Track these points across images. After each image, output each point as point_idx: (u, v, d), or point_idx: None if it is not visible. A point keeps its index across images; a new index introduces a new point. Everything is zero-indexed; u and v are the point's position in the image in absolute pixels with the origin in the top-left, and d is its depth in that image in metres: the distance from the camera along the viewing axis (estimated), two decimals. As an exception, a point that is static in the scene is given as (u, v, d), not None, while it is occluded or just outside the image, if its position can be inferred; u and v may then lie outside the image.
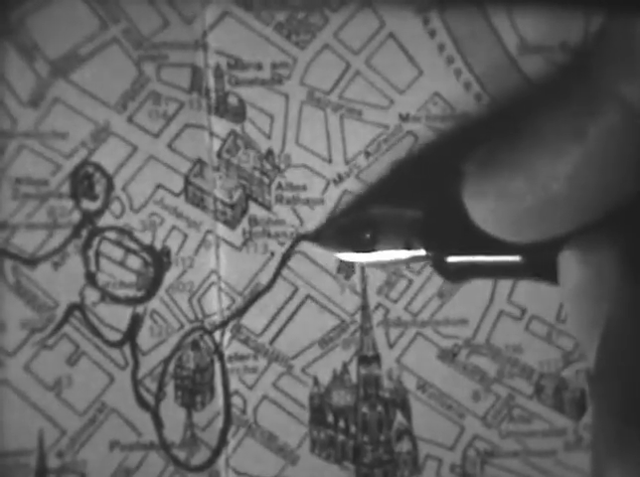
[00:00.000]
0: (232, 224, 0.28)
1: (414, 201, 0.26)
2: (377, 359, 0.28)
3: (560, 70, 0.26)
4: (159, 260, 0.28)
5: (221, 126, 0.28)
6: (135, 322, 0.28)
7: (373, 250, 0.27)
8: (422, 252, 0.26)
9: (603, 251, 0.20)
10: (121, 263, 0.28)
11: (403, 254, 0.26)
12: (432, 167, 0.27)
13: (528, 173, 0.20)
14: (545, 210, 0.20)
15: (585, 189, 0.19)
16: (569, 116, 0.19)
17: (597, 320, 0.20)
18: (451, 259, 0.26)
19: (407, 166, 0.27)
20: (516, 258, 0.24)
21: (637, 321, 0.18)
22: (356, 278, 0.28)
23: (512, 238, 0.22)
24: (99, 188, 0.28)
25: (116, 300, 0.28)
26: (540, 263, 0.24)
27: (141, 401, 0.28)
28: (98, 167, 0.28)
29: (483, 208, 0.21)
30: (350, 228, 0.27)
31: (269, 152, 0.28)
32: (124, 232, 0.28)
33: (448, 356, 0.29)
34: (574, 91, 0.19)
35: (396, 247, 0.26)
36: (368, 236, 0.26)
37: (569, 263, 0.21)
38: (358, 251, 0.27)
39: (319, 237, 0.28)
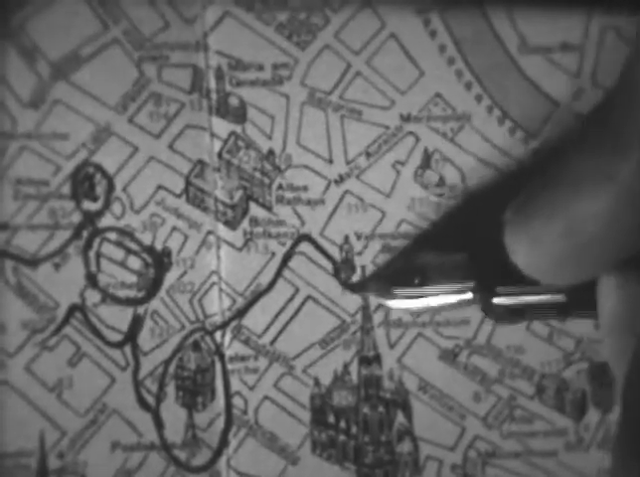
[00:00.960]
0: (232, 224, 0.28)
1: (461, 246, 0.27)
2: (378, 359, 0.28)
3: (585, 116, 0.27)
4: (160, 261, 0.28)
5: (221, 127, 0.28)
6: (136, 323, 0.28)
7: (421, 297, 0.27)
8: (470, 296, 0.27)
9: (635, 284, 0.20)
10: (122, 264, 0.28)
11: (452, 299, 0.27)
12: (478, 215, 0.28)
13: (563, 216, 0.20)
14: (581, 252, 0.20)
15: (620, 228, 0.19)
16: (601, 158, 0.19)
17: (628, 346, 0.20)
18: (497, 300, 0.26)
19: (454, 214, 0.28)
20: (559, 298, 0.25)
21: None
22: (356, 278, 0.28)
23: (551, 281, 0.22)
24: (100, 189, 0.28)
25: (117, 301, 0.28)
26: (583, 302, 0.24)
27: (142, 402, 0.28)
28: (99, 168, 0.28)
29: (522, 253, 0.22)
30: (400, 273, 0.27)
31: (270, 153, 0.28)
32: (125, 232, 0.28)
33: (449, 356, 0.29)
34: (603, 135, 0.19)
35: (444, 293, 0.27)
36: (417, 281, 0.27)
37: (607, 288, 0.21)
38: (407, 298, 0.27)
39: (365, 285, 0.28)
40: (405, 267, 0.27)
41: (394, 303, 0.27)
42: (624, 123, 0.19)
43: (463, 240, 0.27)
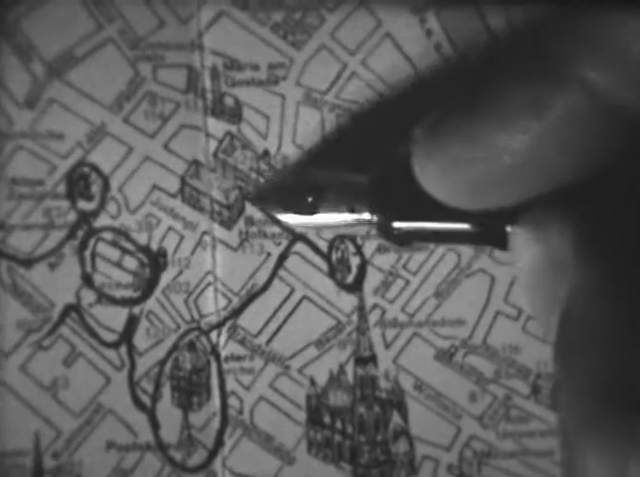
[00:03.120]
0: (228, 224, 0.28)
1: (360, 164, 0.26)
2: (373, 359, 0.28)
3: (523, 36, 0.26)
4: (155, 261, 0.28)
5: (217, 127, 0.28)
6: (131, 323, 0.28)
7: (314, 213, 0.26)
8: (367, 217, 0.26)
9: (556, 230, 0.20)
10: (118, 264, 0.28)
11: (347, 218, 0.26)
12: (381, 129, 0.27)
13: (482, 143, 0.19)
14: (495, 181, 0.20)
15: (540, 166, 0.19)
16: (530, 90, 0.19)
17: (554, 297, 0.19)
18: (398, 225, 0.25)
19: (354, 126, 0.27)
20: (465, 226, 0.24)
21: (595, 304, 0.18)
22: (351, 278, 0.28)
23: (460, 205, 0.21)
24: (95, 188, 0.28)
25: (113, 301, 0.28)
26: (489, 231, 0.23)
27: (137, 402, 0.28)
28: (94, 167, 0.28)
29: (432, 174, 0.21)
30: (291, 190, 0.27)
31: (266, 153, 0.28)
32: (120, 232, 0.28)
33: (445, 356, 0.29)
34: (537, 66, 0.19)
35: (339, 212, 0.26)
36: (310, 199, 0.26)
37: (523, 240, 0.21)
38: (300, 214, 0.26)
39: (259, 197, 0.27)
40: (298, 184, 0.27)
41: (287, 219, 0.27)
42: (564, 65, 0.18)
43: (362, 157, 0.26)
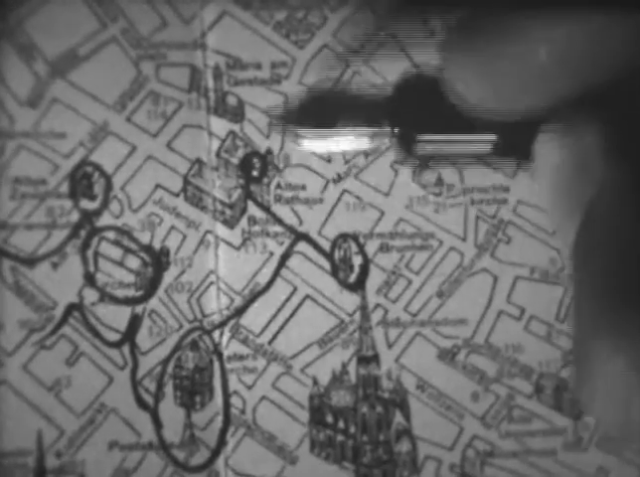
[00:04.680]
0: (230, 223, 0.28)
1: (383, 77, 0.25)
2: (376, 359, 0.28)
3: None
4: (158, 260, 0.28)
5: (220, 126, 0.28)
6: (134, 322, 0.28)
7: (334, 126, 0.26)
8: (388, 129, 0.25)
9: (583, 135, 0.20)
10: (120, 263, 0.28)
11: (368, 131, 0.25)
12: (404, 38, 0.27)
13: (519, 38, 0.19)
14: (530, 77, 0.19)
15: (572, 61, 0.19)
16: None
17: (578, 204, 0.19)
18: (420, 137, 0.24)
19: (375, 38, 0.27)
20: (489, 137, 0.23)
21: (621, 205, 0.18)
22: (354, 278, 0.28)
23: (492, 107, 0.21)
24: (98, 188, 0.28)
25: (115, 300, 0.28)
26: (513, 142, 0.23)
27: (140, 402, 0.28)
28: (97, 167, 0.28)
29: (467, 74, 0.20)
30: (313, 104, 0.26)
31: (268, 152, 0.28)
32: (123, 231, 0.28)
33: (447, 356, 0.29)
34: None
35: (360, 125, 0.25)
36: (331, 111, 0.26)
37: (547, 148, 0.20)
38: (320, 127, 0.26)
39: (284, 118, 0.27)
40: (318, 105, 0.26)
41: (305, 144, 0.26)
42: None
43: (385, 70, 0.26)
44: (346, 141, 0.25)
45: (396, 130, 0.25)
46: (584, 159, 0.19)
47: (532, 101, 0.20)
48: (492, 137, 0.23)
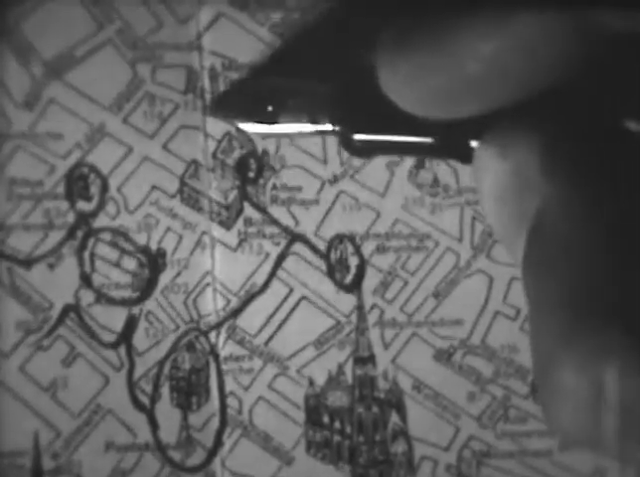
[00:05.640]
0: (227, 224, 0.28)
1: (323, 74, 0.25)
2: (372, 359, 0.28)
3: None
4: (154, 262, 0.28)
5: (216, 127, 0.28)
6: (130, 323, 0.28)
7: (275, 123, 0.26)
8: (329, 127, 0.25)
9: (524, 145, 0.19)
10: (117, 265, 0.28)
11: (308, 128, 0.25)
12: (343, 36, 0.27)
13: (447, 50, 0.19)
14: (460, 90, 0.19)
15: (503, 73, 0.19)
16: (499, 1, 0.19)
17: (522, 214, 0.19)
18: (359, 137, 0.25)
19: (318, 35, 0.27)
20: (427, 139, 0.23)
21: (566, 217, 0.18)
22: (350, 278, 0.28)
23: (424, 114, 0.21)
24: (94, 189, 0.28)
25: (112, 301, 0.28)
26: (452, 145, 0.23)
27: (137, 403, 0.28)
28: (93, 168, 0.28)
29: (397, 80, 0.20)
30: (252, 98, 0.26)
31: (264, 153, 0.28)
32: (119, 233, 0.28)
33: (444, 356, 0.29)
34: None
35: (300, 122, 0.25)
36: (270, 108, 0.25)
37: (487, 156, 0.20)
38: (259, 123, 0.26)
39: (220, 106, 0.27)
40: (259, 92, 0.26)
41: (246, 127, 0.26)
42: None
43: (325, 65, 0.26)
44: (286, 135, 0.25)
45: (336, 128, 0.25)
46: (525, 173, 0.19)
47: (466, 110, 0.20)
48: (428, 140, 0.23)
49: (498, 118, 0.20)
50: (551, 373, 0.16)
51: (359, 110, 0.24)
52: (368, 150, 0.25)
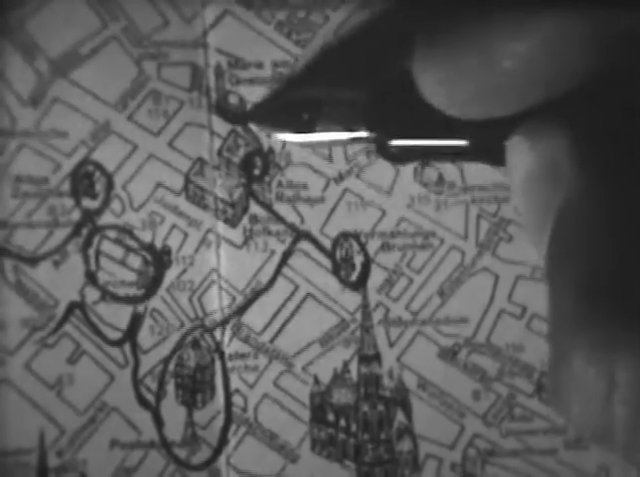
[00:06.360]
0: (232, 222, 0.28)
1: (358, 81, 0.25)
2: (377, 358, 0.28)
3: None
4: (159, 259, 0.28)
5: (221, 125, 0.28)
6: (136, 321, 0.28)
7: (311, 132, 0.26)
8: (365, 134, 0.25)
9: (554, 138, 0.20)
10: (122, 262, 0.28)
11: (344, 135, 0.25)
12: (376, 42, 0.27)
13: (482, 49, 0.20)
14: (495, 86, 0.20)
15: (537, 70, 0.19)
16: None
17: (548, 205, 0.19)
18: (395, 143, 0.25)
19: (352, 42, 0.27)
20: (462, 142, 0.24)
21: (592, 210, 0.18)
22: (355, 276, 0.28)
23: (459, 114, 0.21)
24: (100, 186, 0.28)
25: (117, 299, 0.28)
26: (486, 147, 0.23)
27: (142, 400, 0.28)
28: (99, 165, 0.28)
29: (433, 80, 0.21)
30: (287, 107, 0.26)
31: (270, 150, 0.28)
32: (125, 230, 0.28)
33: (449, 355, 0.29)
34: None
35: (336, 130, 0.25)
36: (306, 117, 0.26)
37: (518, 150, 0.21)
38: (296, 132, 0.26)
39: (256, 116, 0.27)
40: (294, 101, 0.26)
41: (281, 136, 0.26)
42: None
43: (359, 73, 0.26)
44: (323, 143, 0.25)
45: (372, 135, 0.25)
46: (554, 164, 0.19)
47: (496, 110, 0.20)
48: (463, 143, 0.23)
49: (529, 118, 0.20)
50: (563, 362, 0.16)
51: (394, 116, 0.24)
52: (403, 155, 0.25)
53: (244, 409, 0.28)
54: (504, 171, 0.22)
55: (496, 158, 0.22)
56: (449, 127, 0.22)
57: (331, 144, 0.25)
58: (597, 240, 0.17)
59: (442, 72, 0.20)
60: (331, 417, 0.28)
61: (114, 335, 0.28)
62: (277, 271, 0.28)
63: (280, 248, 0.28)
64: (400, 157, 0.25)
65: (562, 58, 0.19)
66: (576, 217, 0.18)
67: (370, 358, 0.28)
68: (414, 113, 0.22)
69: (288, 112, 0.26)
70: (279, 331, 0.28)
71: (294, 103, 0.26)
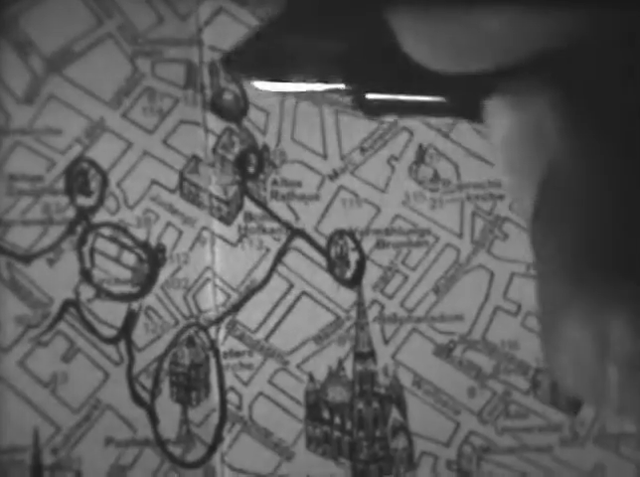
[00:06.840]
0: (227, 220, 0.28)
1: (335, 30, 0.25)
2: (372, 355, 0.28)
3: None
4: (154, 257, 0.28)
5: (216, 122, 0.28)
6: (130, 318, 0.28)
7: (286, 81, 0.25)
8: (341, 86, 0.25)
9: (538, 96, 0.20)
10: (116, 260, 0.28)
11: (320, 87, 0.25)
12: None
13: (468, 5, 0.19)
14: (477, 42, 0.20)
15: (523, 29, 0.19)
16: None
17: (533, 166, 0.19)
18: (372, 96, 0.25)
19: None
20: (440, 99, 0.24)
21: (580, 168, 0.18)
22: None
23: (443, 67, 0.21)
24: (94, 184, 0.28)
25: (111, 297, 0.28)
26: (464, 104, 0.23)
27: (136, 398, 0.28)
28: (93, 163, 0.28)
29: (417, 34, 0.21)
30: (263, 57, 0.26)
31: (265, 148, 0.28)
32: (119, 228, 0.28)
33: (444, 352, 0.29)
34: None
35: (313, 81, 0.25)
36: (281, 66, 0.25)
37: (500, 109, 0.21)
38: (271, 81, 0.26)
39: (230, 64, 0.27)
40: (270, 50, 0.26)
41: (257, 84, 0.26)
42: None
43: (336, 23, 0.26)
44: (297, 94, 0.25)
45: (348, 87, 0.25)
46: (537, 124, 0.19)
47: (480, 65, 0.20)
48: (441, 99, 0.23)
49: (511, 75, 0.20)
50: (555, 324, 0.16)
51: (372, 69, 0.24)
52: (380, 109, 0.25)
53: (239, 407, 0.28)
54: (486, 132, 0.22)
55: (473, 114, 0.22)
56: (428, 82, 0.22)
57: (306, 96, 0.25)
58: (585, 203, 0.17)
59: (426, 24, 0.20)
60: (326, 415, 0.28)
61: (109, 333, 0.28)
62: (272, 269, 0.28)
63: (275, 246, 0.28)
64: (376, 110, 0.25)
65: (552, 17, 0.19)
66: (562, 180, 0.18)
67: (365, 355, 0.28)
68: (392, 67, 0.22)
69: (263, 61, 0.26)
70: (274, 329, 0.28)
71: (269, 52, 0.26)
